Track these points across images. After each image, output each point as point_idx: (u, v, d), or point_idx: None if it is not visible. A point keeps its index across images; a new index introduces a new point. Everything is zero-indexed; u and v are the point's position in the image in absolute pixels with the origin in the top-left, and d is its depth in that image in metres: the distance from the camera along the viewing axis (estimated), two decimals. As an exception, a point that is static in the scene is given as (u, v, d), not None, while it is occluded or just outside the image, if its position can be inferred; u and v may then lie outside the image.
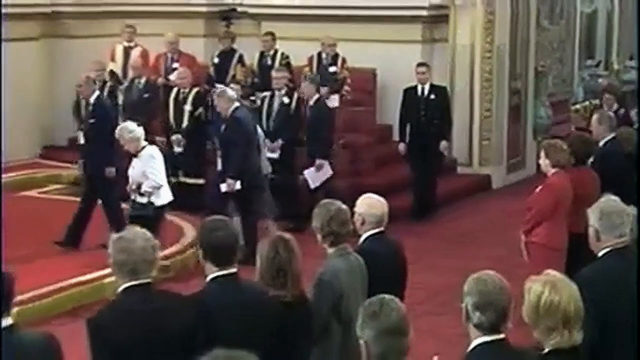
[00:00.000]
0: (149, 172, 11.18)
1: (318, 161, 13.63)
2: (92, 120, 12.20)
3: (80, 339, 5.41)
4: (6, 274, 4.77)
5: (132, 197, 11.27)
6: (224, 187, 12.46)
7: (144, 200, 11.16)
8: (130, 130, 11.26)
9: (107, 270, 5.54)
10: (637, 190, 9.36)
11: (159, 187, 11.24)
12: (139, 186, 11.16)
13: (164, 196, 11.36)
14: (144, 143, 11.29)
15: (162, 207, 11.34)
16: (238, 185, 12.30)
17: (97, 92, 12.33)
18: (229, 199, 12.49)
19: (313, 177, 13.65)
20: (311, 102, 13.94)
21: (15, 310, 4.85)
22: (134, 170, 11.23)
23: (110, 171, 12.20)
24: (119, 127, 11.59)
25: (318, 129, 13.83)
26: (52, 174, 15.96)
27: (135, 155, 11.24)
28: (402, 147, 14.57)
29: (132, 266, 5.20)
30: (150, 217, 10.97)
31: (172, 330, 5.16)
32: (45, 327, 7.48)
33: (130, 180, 11.24)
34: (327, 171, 13.65)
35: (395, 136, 15.60)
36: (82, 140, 14.73)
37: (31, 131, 16.61)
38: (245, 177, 12.34)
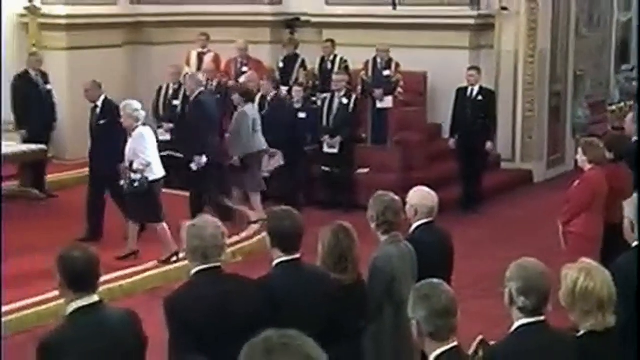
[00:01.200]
0: (139, 150, 11.16)
1: (271, 150, 13.78)
2: (102, 122, 12.06)
3: (157, 315, 5.46)
4: (93, 256, 4.83)
5: (127, 175, 11.17)
6: (193, 166, 12.47)
7: (137, 176, 11.11)
8: (134, 108, 11.26)
9: (181, 255, 5.56)
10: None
11: (148, 164, 11.16)
12: (131, 164, 11.14)
13: (157, 171, 11.30)
14: (138, 124, 11.23)
15: (156, 181, 11.28)
16: (204, 159, 12.36)
17: (103, 96, 12.23)
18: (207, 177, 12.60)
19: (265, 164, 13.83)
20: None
21: (101, 288, 4.88)
22: (127, 149, 11.23)
23: (119, 168, 12.05)
24: (126, 101, 11.58)
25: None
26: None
27: (130, 135, 11.24)
28: (452, 142, 14.56)
29: (203, 251, 5.24)
30: (146, 191, 11.11)
31: (239, 310, 5.19)
32: (128, 304, 7.53)
33: (126, 158, 11.22)
34: (279, 160, 13.87)
35: (444, 134, 15.59)
36: (164, 136, 14.92)
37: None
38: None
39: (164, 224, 11.28)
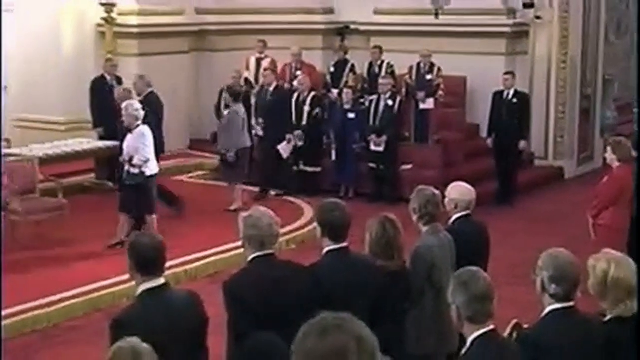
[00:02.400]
0: (140, 147, 11.10)
1: (288, 136, 14.04)
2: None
3: (217, 297, 5.48)
4: (160, 243, 4.86)
5: (126, 167, 11.13)
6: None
7: (135, 171, 11.08)
8: (135, 108, 11.22)
9: (239, 243, 5.57)
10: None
11: (147, 161, 11.13)
12: (131, 158, 11.07)
13: (153, 168, 11.25)
14: (139, 122, 11.18)
15: (152, 176, 11.24)
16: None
17: (149, 90, 12.42)
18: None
19: (285, 149, 14.07)
20: (271, 89, 14.29)
21: (167, 273, 4.91)
22: (127, 145, 11.16)
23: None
24: (128, 101, 11.54)
25: (282, 110, 14.18)
26: (197, 163, 16.19)
27: (130, 132, 11.16)
28: (489, 141, 14.54)
29: (260, 239, 5.25)
30: (143, 185, 11.11)
31: (292, 293, 5.19)
32: (191, 287, 7.58)
33: (124, 153, 11.16)
34: (295, 142, 14.19)
35: (482, 133, 15.50)
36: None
37: (182, 127, 16.87)
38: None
39: (154, 216, 11.31)
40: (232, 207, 13.03)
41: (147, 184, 11.20)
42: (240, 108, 13.54)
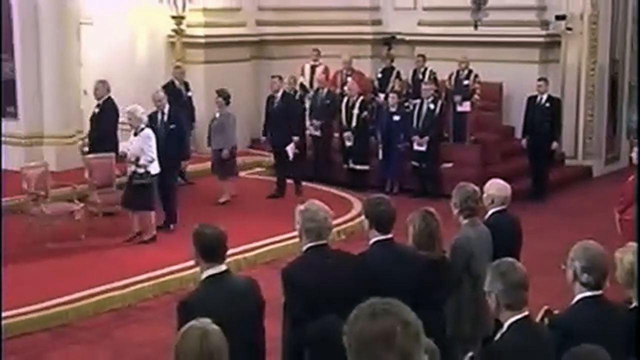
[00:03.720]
0: (146, 148, 11.06)
1: (295, 138, 13.73)
2: (172, 126, 12.02)
3: (274, 283, 5.49)
4: (222, 233, 4.85)
5: (132, 168, 11.10)
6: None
7: (141, 170, 11.05)
8: (141, 112, 11.20)
9: (294, 233, 5.59)
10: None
11: (152, 161, 11.10)
12: (137, 159, 11.02)
13: (156, 168, 11.21)
14: (143, 125, 11.14)
15: (155, 175, 11.22)
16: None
17: (167, 105, 12.16)
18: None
19: (292, 149, 13.72)
20: (279, 95, 13.87)
21: (229, 260, 4.92)
22: (132, 146, 11.09)
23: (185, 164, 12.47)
24: (134, 106, 11.44)
25: (288, 116, 13.77)
26: (256, 160, 16.23)
27: (135, 134, 11.11)
28: (523, 142, 14.42)
29: (317, 231, 5.25)
30: (149, 183, 11.11)
31: (342, 280, 5.18)
32: (250, 273, 7.61)
33: (129, 154, 11.08)
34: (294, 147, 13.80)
35: (517, 134, 15.40)
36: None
37: (243, 128, 16.85)
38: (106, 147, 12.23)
39: (153, 213, 11.33)
40: (222, 200, 13.14)
41: (151, 182, 11.22)
42: (230, 110, 13.48)
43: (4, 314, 8.76)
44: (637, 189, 8.85)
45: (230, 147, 13.47)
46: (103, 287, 9.61)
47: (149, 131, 11.19)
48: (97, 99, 12.78)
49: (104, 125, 12.56)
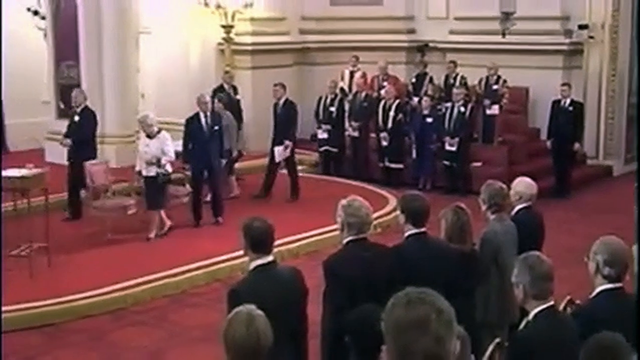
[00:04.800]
0: (167, 149, 11.00)
1: (286, 142, 13.21)
2: (216, 128, 11.93)
3: (315, 273, 5.51)
4: (270, 226, 4.86)
5: (155, 169, 10.93)
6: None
7: (162, 170, 10.99)
8: (151, 117, 11.15)
9: (334, 226, 5.61)
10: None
11: (172, 160, 11.13)
12: (158, 160, 10.94)
13: (170, 168, 11.21)
14: (157, 128, 11.08)
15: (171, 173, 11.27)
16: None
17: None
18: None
19: (279, 153, 13.26)
20: (281, 102, 13.37)
21: (274, 250, 4.95)
22: (150, 148, 10.94)
23: (222, 162, 12.21)
24: (145, 114, 11.42)
25: (287, 121, 13.29)
26: (299, 158, 16.13)
27: (150, 137, 10.98)
28: (548, 143, 14.30)
29: (358, 226, 5.26)
30: (164, 182, 11.09)
31: (380, 270, 5.18)
32: (293, 263, 7.65)
33: (149, 156, 10.94)
34: (287, 152, 13.33)
35: (542, 136, 15.27)
36: (323, 135, 15.04)
37: (286, 129, 16.97)
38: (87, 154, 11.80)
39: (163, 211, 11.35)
40: (232, 195, 13.08)
41: (168, 179, 11.25)
42: (230, 115, 13.24)
43: (69, 298, 8.91)
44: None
45: (236, 149, 13.42)
46: (158, 275, 9.70)
47: (166, 133, 11.22)
48: (76, 107, 12.07)
49: (86, 133, 11.92)
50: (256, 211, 5.67)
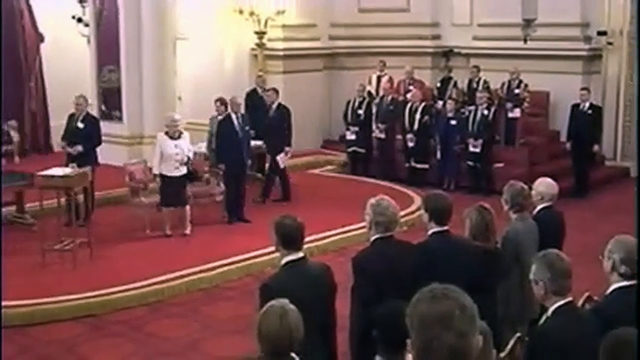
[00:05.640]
0: (190, 148, 11.07)
1: (287, 149, 12.93)
2: (247, 128, 11.89)
3: (344, 268, 5.50)
4: (300, 224, 4.85)
5: (185, 167, 10.91)
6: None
7: (191, 168, 11.02)
8: (177, 118, 11.10)
9: (361, 224, 5.60)
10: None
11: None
12: (188, 158, 10.94)
13: None
14: (182, 129, 11.04)
15: None
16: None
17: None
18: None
19: (283, 159, 13.00)
20: (274, 106, 13.03)
21: (304, 247, 4.95)
22: (180, 149, 10.85)
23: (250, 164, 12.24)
24: (171, 114, 11.33)
25: (281, 125, 12.90)
26: (328, 159, 16.27)
27: (175, 138, 10.85)
28: (568, 145, 14.19)
29: (386, 224, 5.24)
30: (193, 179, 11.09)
31: (405, 266, 5.16)
32: (323, 259, 7.64)
33: (181, 156, 10.85)
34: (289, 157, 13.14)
35: (561, 138, 15.16)
36: (351, 136, 15.01)
37: (316, 130, 16.99)
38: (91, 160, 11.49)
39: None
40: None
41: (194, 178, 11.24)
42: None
43: (109, 290, 8.98)
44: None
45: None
46: (194, 269, 9.74)
47: (187, 133, 11.23)
48: (78, 113, 11.56)
49: (95, 140, 11.56)
50: (286, 210, 5.66)
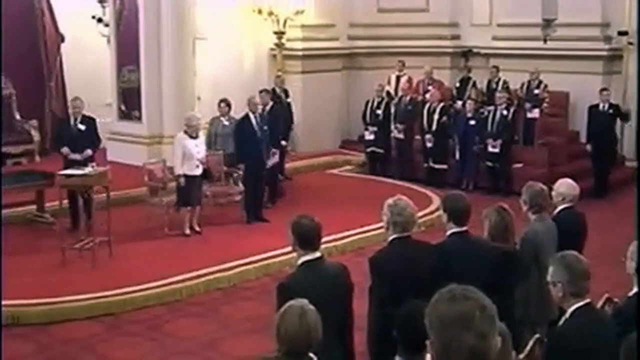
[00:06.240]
0: (205, 148, 11.16)
1: (273, 150, 12.36)
2: (265, 128, 11.80)
3: (361, 269, 5.47)
4: (318, 224, 4.82)
5: (200, 167, 10.97)
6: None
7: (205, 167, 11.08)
8: (198, 117, 11.14)
9: (379, 224, 5.57)
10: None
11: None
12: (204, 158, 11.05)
13: None
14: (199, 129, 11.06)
15: None
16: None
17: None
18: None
19: (271, 160, 12.52)
20: (267, 108, 12.65)
21: (322, 247, 4.93)
22: (199, 148, 10.94)
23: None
24: (191, 114, 11.33)
25: (274, 127, 12.45)
26: (346, 159, 16.24)
27: (193, 137, 10.87)
28: (588, 146, 14.13)
29: (403, 225, 5.22)
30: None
31: (423, 267, 5.13)
32: (340, 259, 7.62)
33: (201, 155, 10.95)
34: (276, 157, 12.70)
35: (581, 138, 15.07)
36: (369, 137, 14.98)
37: (335, 130, 16.99)
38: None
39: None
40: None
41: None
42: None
43: (128, 290, 9.00)
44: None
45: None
46: (212, 269, 9.75)
47: (202, 133, 11.26)
48: (76, 115, 11.14)
49: (94, 139, 11.23)
50: (304, 210, 5.63)
